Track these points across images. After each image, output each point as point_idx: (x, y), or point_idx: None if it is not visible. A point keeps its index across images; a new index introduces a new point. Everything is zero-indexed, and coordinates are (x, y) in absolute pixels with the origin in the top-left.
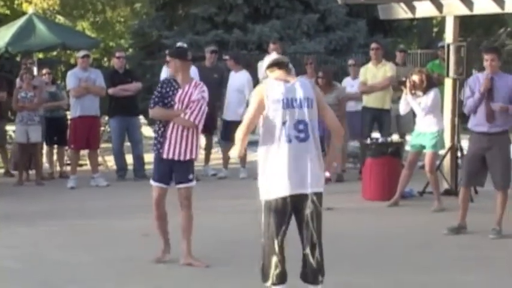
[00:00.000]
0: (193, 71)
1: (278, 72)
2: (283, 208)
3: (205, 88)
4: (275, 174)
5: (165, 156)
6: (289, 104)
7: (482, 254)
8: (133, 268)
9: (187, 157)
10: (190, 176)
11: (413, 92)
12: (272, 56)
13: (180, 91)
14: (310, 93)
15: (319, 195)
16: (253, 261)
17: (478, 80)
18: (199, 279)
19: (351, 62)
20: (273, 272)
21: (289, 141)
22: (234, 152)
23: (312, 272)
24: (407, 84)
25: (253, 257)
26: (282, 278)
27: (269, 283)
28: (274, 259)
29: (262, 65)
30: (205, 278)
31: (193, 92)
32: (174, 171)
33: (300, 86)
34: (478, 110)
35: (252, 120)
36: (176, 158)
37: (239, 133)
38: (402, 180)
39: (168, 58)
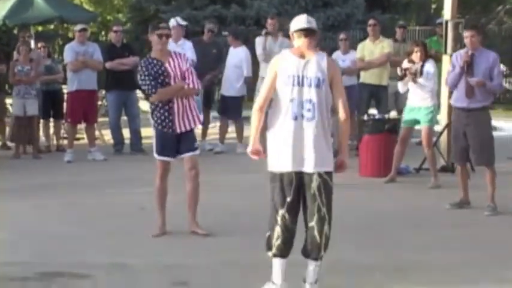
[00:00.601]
0: (188, 45)
1: (302, 41)
2: (288, 181)
3: (185, 54)
4: (280, 149)
5: (178, 131)
6: (299, 81)
7: (478, 231)
8: (130, 241)
9: (197, 124)
10: (196, 144)
11: (415, 80)
12: (302, 19)
13: (167, 66)
14: (322, 72)
15: (328, 173)
16: (250, 233)
17: (460, 56)
18: (197, 252)
19: (342, 36)
20: (275, 241)
21: (295, 118)
22: (249, 147)
23: (315, 247)
24: (409, 74)
25: (250, 229)
26: (283, 249)
27: (271, 253)
28: (277, 229)
29: (291, 25)
30: (203, 250)
31: (180, 63)
32: (181, 141)
33: (315, 63)
34: (458, 86)
35: (267, 94)
36: (188, 128)
37: (255, 107)
38: (396, 156)
39: (163, 32)
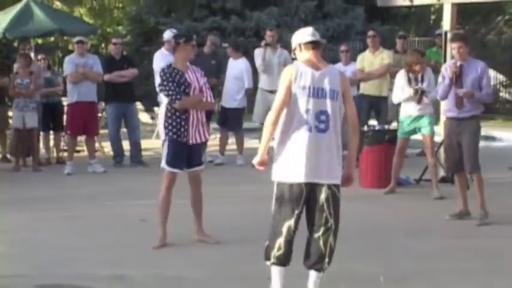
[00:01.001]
0: None
1: (311, 52)
2: (298, 193)
3: (200, 69)
4: (292, 160)
5: (191, 142)
6: (315, 93)
7: (478, 241)
8: (130, 253)
9: (207, 137)
10: (203, 158)
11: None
12: (308, 31)
13: (187, 77)
14: (337, 85)
15: (336, 185)
16: (250, 245)
17: (449, 67)
18: (197, 263)
19: (343, 48)
20: (275, 252)
21: (310, 130)
22: (256, 158)
23: (320, 258)
24: (419, 94)
25: (250, 241)
26: (283, 260)
27: (269, 262)
28: (279, 240)
29: (294, 37)
30: (203, 262)
31: (198, 77)
32: (192, 154)
33: (330, 76)
34: (449, 96)
35: (281, 105)
36: (199, 140)
37: (269, 120)
38: (395, 167)
39: (187, 42)
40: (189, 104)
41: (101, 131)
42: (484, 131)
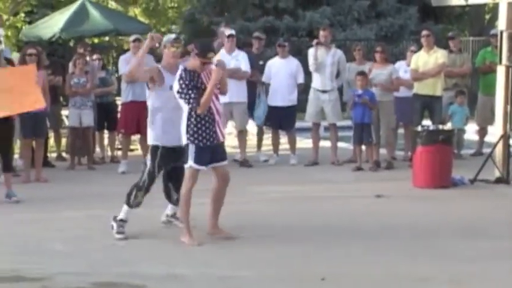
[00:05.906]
0: (243, 55)
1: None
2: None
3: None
4: (164, 130)
5: (221, 140)
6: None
7: None
8: (183, 252)
9: (225, 135)
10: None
11: None
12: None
13: (202, 77)
14: None
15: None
16: (302, 244)
17: None
18: (250, 263)
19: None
20: (137, 200)
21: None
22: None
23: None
24: None
25: (302, 240)
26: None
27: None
28: (141, 193)
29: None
30: (255, 262)
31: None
32: (216, 151)
33: None
34: None
35: None
36: (222, 139)
37: None
38: None
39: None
40: (209, 99)
41: None
42: None
